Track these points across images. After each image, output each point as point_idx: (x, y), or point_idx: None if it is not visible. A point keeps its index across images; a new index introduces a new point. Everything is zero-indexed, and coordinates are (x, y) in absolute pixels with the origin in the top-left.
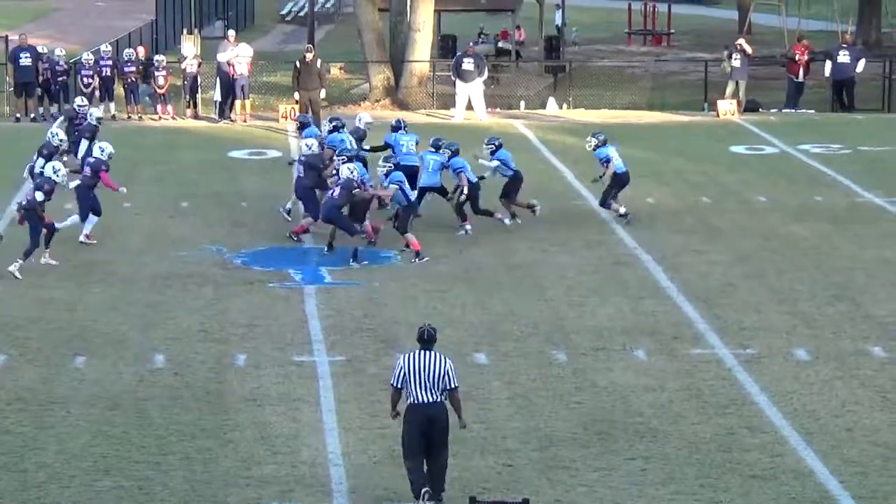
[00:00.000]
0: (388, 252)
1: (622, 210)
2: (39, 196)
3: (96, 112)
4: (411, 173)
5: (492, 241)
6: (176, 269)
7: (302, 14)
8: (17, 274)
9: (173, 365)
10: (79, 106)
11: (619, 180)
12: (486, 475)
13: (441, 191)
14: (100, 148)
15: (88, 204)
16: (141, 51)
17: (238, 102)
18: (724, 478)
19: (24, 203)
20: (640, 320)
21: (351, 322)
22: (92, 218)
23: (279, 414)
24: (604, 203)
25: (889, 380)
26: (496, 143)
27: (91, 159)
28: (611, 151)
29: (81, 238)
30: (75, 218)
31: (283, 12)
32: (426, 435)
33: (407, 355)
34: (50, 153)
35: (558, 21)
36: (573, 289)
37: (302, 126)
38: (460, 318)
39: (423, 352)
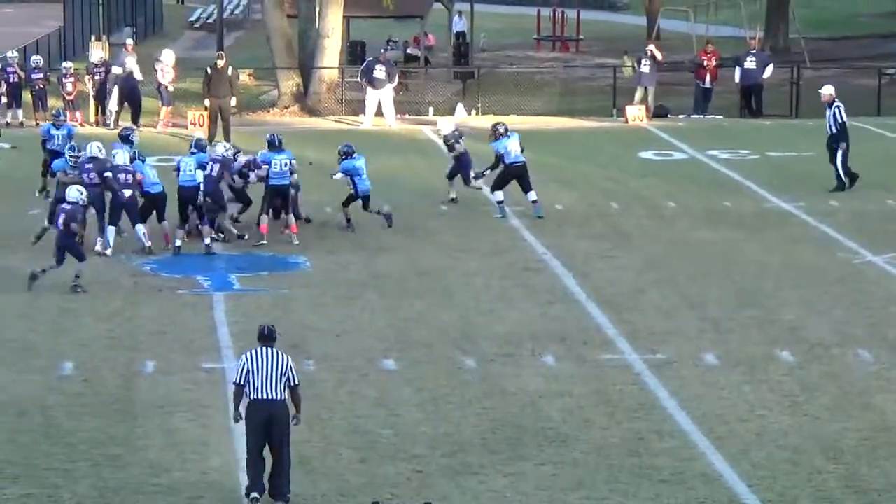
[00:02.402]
0: (297, 258)
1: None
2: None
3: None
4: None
5: (400, 247)
6: (86, 275)
7: (210, 21)
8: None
9: (82, 372)
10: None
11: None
12: (395, 481)
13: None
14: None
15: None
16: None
17: (163, 109)
18: (633, 482)
19: None
20: (549, 326)
21: None
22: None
23: (188, 421)
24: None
25: (797, 384)
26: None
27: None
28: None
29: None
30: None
31: (192, 19)
32: (267, 432)
33: (249, 352)
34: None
35: (458, 27)
36: (482, 295)
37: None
38: (369, 324)
39: (264, 349)
